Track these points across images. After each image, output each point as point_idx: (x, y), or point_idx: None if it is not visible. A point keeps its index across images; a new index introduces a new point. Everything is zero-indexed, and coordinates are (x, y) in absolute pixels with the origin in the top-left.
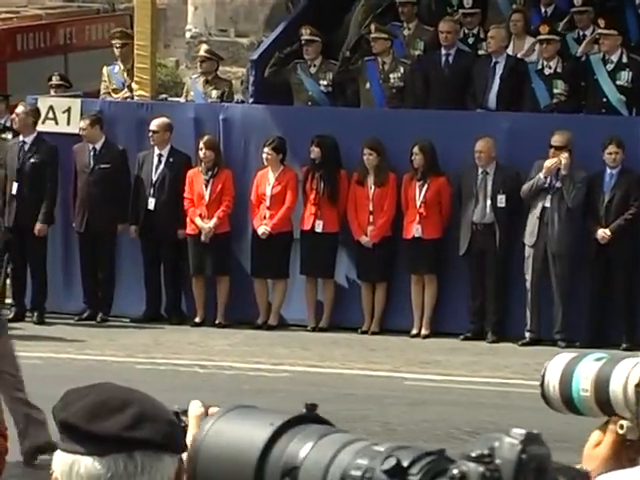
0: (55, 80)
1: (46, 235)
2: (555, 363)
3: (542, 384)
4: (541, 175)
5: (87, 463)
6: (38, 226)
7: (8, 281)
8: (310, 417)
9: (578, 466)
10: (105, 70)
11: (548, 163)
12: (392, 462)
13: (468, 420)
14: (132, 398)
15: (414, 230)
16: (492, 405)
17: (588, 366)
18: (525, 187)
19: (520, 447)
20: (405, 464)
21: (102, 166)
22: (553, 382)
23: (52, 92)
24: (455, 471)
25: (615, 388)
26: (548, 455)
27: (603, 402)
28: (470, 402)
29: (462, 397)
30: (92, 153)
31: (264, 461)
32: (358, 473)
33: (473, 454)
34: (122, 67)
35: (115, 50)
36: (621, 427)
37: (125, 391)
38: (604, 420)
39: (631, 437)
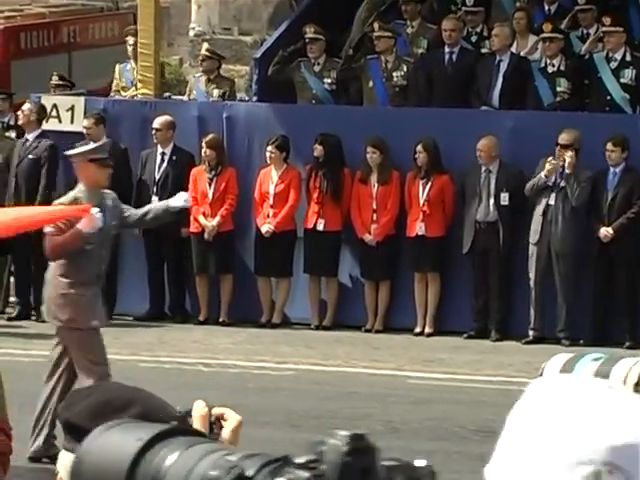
0: (54, 80)
1: (42, 232)
2: (553, 364)
3: None
4: (542, 175)
5: None
6: None
7: (12, 279)
8: (180, 429)
9: (420, 462)
10: (117, 67)
11: (549, 165)
12: (236, 473)
13: (472, 418)
14: (136, 397)
15: (417, 228)
16: (495, 403)
17: (586, 366)
18: (528, 185)
19: (344, 449)
20: (249, 474)
21: None
22: None
23: (52, 92)
24: (283, 479)
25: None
26: (375, 455)
27: None
28: (473, 400)
29: (466, 395)
30: None
31: (133, 474)
32: None
33: (300, 460)
34: (134, 65)
35: (128, 47)
36: None
37: (129, 390)
38: None
39: None
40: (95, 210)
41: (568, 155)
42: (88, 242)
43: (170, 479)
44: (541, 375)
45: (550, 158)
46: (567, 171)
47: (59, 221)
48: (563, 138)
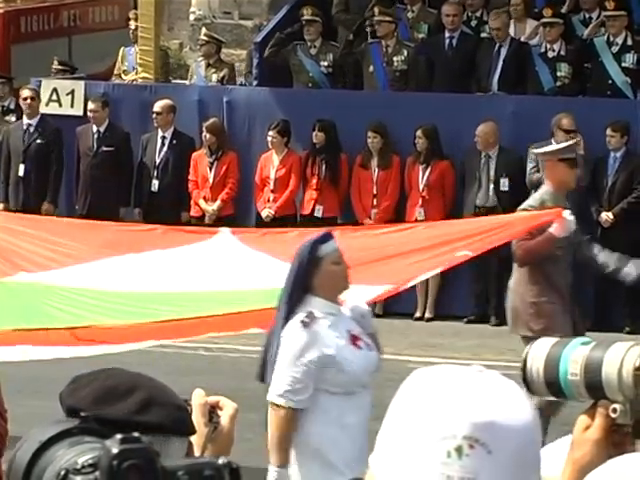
0: (55, 65)
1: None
2: (537, 347)
3: (524, 368)
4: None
5: None
6: (45, 206)
7: None
8: (83, 428)
9: (221, 460)
10: (121, 51)
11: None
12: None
13: None
14: (140, 383)
15: (417, 213)
16: None
17: (575, 350)
18: (527, 180)
19: (114, 452)
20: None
21: (105, 149)
22: (537, 366)
23: (53, 77)
24: None
25: (609, 372)
26: (149, 457)
27: (594, 386)
28: None
29: None
30: (96, 136)
31: (29, 474)
32: None
33: (78, 465)
34: (137, 49)
35: (130, 32)
36: (614, 411)
37: (132, 376)
38: (589, 404)
39: (622, 421)
40: (567, 213)
41: (577, 140)
42: (559, 246)
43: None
44: (525, 359)
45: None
46: (580, 153)
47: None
48: (565, 123)
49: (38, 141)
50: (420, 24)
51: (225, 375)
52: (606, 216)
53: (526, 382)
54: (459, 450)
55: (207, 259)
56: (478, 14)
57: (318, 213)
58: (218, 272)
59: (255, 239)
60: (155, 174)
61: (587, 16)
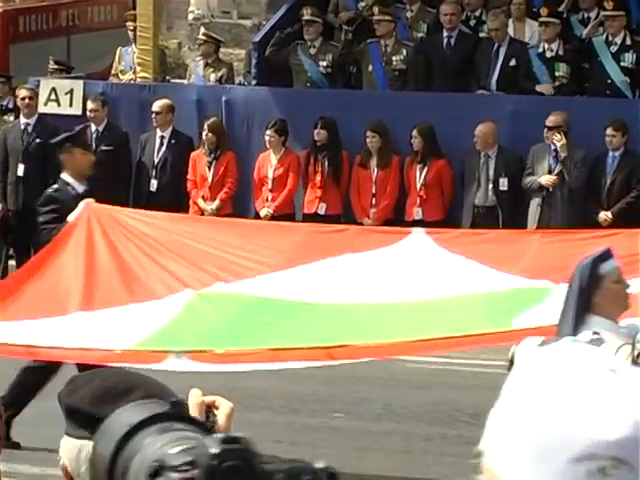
0: (51, 65)
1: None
2: (524, 347)
3: (510, 364)
4: (540, 182)
5: None
6: None
7: (12, 262)
8: (172, 414)
9: (320, 464)
10: (119, 50)
11: (543, 180)
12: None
13: (470, 403)
14: (137, 382)
15: (415, 213)
16: (495, 387)
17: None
18: (524, 182)
19: (214, 452)
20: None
21: (104, 148)
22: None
23: (50, 76)
24: None
25: None
26: (248, 458)
27: None
28: (473, 384)
29: (465, 380)
30: (95, 135)
31: (115, 460)
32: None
33: (175, 462)
34: (135, 49)
35: (129, 32)
36: None
37: (130, 375)
38: None
39: None
40: None
41: (556, 138)
42: None
43: (134, 466)
44: (511, 361)
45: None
46: (561, 154)
47: None
48: (551, 120)
49: (37, 141)
50: (419, 23)
51: (222, 374)
52: (605, 215)
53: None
54: (603, 472)
55: (407, 264)
56: (477, 14)
57: (321, 211)
58: (421, 279)
59: (451, 240)
60: (154, 174)
61: (585, 16)
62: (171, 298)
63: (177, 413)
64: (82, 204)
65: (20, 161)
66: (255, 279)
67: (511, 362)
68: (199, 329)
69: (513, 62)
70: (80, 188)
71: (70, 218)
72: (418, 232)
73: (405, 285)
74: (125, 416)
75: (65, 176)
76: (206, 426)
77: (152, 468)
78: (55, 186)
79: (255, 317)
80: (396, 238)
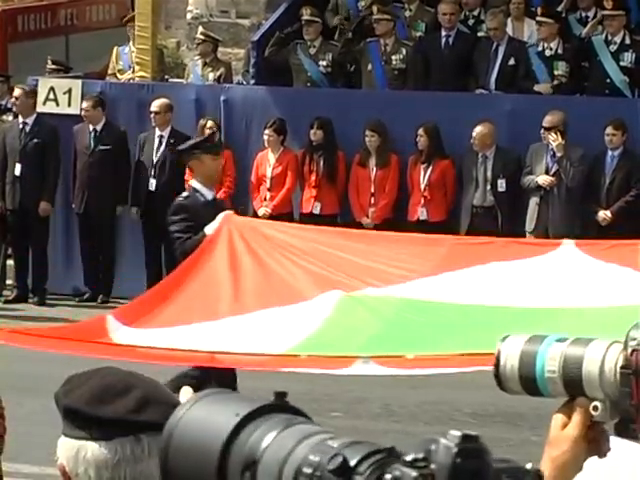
0: (49, 65)
1: (48, 216)
2: (510, 344)
3: (497, 365)
4: (537, 180)
5: (94, 448)
6: (42, 205)
7: (10, 262)
8: (278, 406)
9: (529, 465)
10: (115, 50)
11: (540, 180)
12: (338, 461)
13: (469, 402)
14: (135, 381)
15: (419, 213)
16: (493, 387)
17: (552, 346)
18: (522, 181)
19: (455, 450)
20: (352, 463)
21: (102, 147)
22: (511, 362)
23: (48, 76)
24: (388, 476)
25: (590, 369)
26: (487, 458)
27: (572, 383)
28: (471, 384)
29: (464, 379)
30: (92, 134)
31: (227, 453)
32: (309, 471)
33: (408, 458)
34: (132, 48)
35: (128, 32)
36: (595, 408)
37: (127, 375)
38: (563, 402)
39: (601, 419)
40: None
41: (552, 138)
42: None
43: (266, 462)
44: (497, 356)
45: (548, 178)
46: (558, 154)
47: None
48: (547, 121)
49: (34, 140)
50: (417, 22)
51: None
52: (604, 214)
53: (498, 379)
54: None
55: (560, 272)
56: (475, 13)
57: (316, 210)
58: (570, 286)
59: (602, 251)
60: (153, 173)
61: (584, 15)
62: (320, 299)
63: (281, 405)
64: (220, 216)
65: (17, 160)
66: (404, 284)
67: (497, 359)
68: (363, 331)
69: (512, 61)
70: (209, 195)
71: (208, 230)
72: (568, 244)
73: (561, 291)
74: (234, 406)
75: (194, 183)
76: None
77: (336, 463)
78: (185, 194)
79: (411, 318)
80: (546, 249)
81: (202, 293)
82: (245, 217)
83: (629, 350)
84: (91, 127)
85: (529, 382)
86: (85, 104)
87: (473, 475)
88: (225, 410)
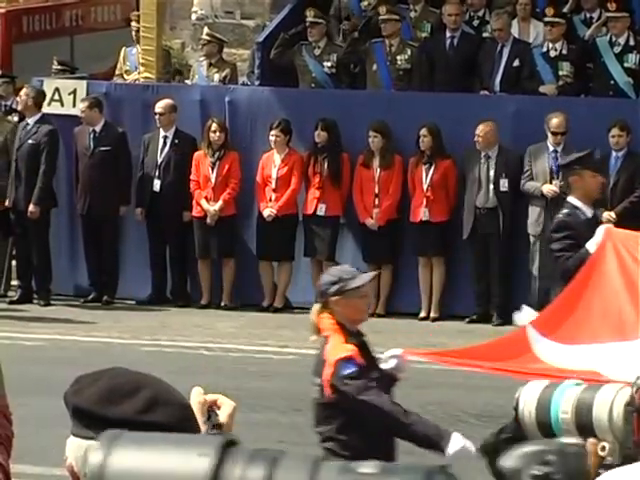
0: (55, 65)
1: (46, 217)
2: (529, 389)
3: (516, 409)
4: (542, 190)
5: None
6: (31, 207)
7: (13, 262)
8: (232, 441)
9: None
10: (123, 50)
11: (545, 189)
12: None
13: (474, 403)
14: (144, 382)
15: (421, 214)
16: (497, 388)
17: (567, 391)
18: (524, 187)
19: (579, 458)
20: None
21: (102, 149)
22: (529, 408)
23: (53, 77)
24: None
25: (599, 412)
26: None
27: (584, 425)
28: (475, 385)
29: (467, 380)
30: (92, 136)
31: None
32: None
33: (536, 472)
34: (139, 49)
35: (132, 32)
36: (602, 449)
37: (136, 375)
38: None
39: (609, 459)
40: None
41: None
42: None
43: None
44: (517, 400)
45: (554, 184)
46: (560, 162)
47: None
48: (554, 124)
49: (30, 141)
50: (423, 23)
51: (226, 375)
52: (608, 215)
53: (518, 423)
54: None
55: None
56: (480, 14)
57: (321, 212)
58: None
59: None
60: (157, 174)
61: (588, 16)
62: None
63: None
64: (601, 230)
65: (14, 160)
66: None
67: (516, 404)
68: None
69: (517, 62)
70: (589, 212)
71: (590, 247)
72: None
73: None
74: (167, 452)
75: (573, 200)
76: None
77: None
78: (565, 211)
79: None
80: None
81: (605, 310)
82: (625, 230)
83: (634, 389)
84: (90, 128)
85: (545, 425)
86: (82, 105)
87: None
88: (179, 453)
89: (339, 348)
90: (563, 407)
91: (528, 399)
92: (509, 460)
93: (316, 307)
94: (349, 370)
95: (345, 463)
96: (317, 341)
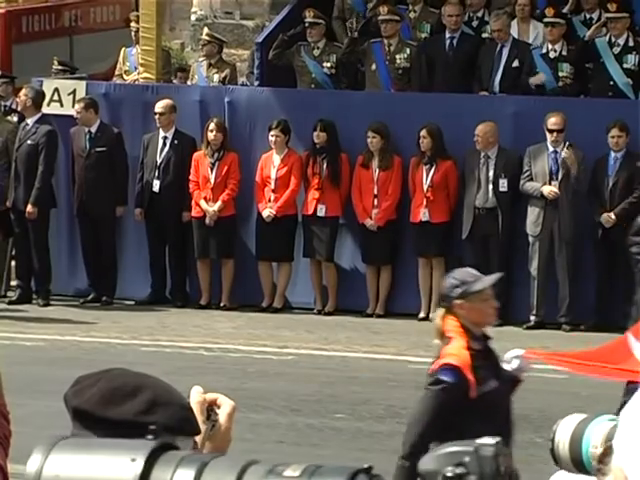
0: (55, 65)
1: (46, 217)
2: (567, 421)
3: (552, 441)
4: (542, 190)
5: None
6: (29, 208)
7: (13, 263)
8: (167, 445)
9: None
10: (123, 51)
11: (545, 191)
12: None
13: None
14: (144, 383)
15: (421, 214)
16: None
17: (600, 425)
18: (524, 188)
19: (495, 459)
20: None
21: (98, 149)
22: (563, 440)
23: (53, 77)
24: None
25: None
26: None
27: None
28: None
29: None
30: (88, 136)
31: None
32: None
33: (449, 474)
34: (139, 50)
35: (132, 33)
36: None
37: (137, 376)
38: None
39: None
40: None
41: (565, 153)
42: None
43: None
44: (553, 433)
45: (553, 185)
46: (569, 164)
47: None
48: (553, 123)
49: (29, 142)
50: (423, 24)
51: (226, 375)
52: (607, 216)
53: (553, 455)
54: None
55: None
56: (479, 14)
57: (321, 213)
58: None
59: None
60: (156, 174)
61: (588, 17)
62: None
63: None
64: None
65: (14, 161)
66: None
67: (553, 438)
68: None
69: (516, 63)
70: None
71: None
72: None
73: None
74: (101, 457)
75: None
76: None
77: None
78: None
79: None
80: None
81: None
82: None
83: None
84: (86, 129)
85: (577, 459)
86: (77, 106)
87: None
88: (112, 458)
89: (455, 352)
90: (593, 441)
91: (563, 432)
92: (426, 462)
93: (440, 311)
94: (447, 378)
95: (273, 466)
96: (439, 345)
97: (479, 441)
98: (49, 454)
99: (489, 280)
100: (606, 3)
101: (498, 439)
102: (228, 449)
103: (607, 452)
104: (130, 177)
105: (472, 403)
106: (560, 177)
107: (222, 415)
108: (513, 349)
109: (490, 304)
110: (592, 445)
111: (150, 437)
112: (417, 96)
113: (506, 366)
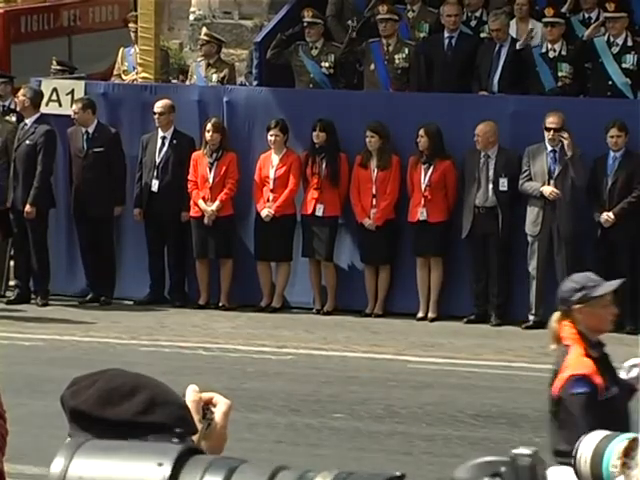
0: (54, 65)
1: (44, 217)
2: (590, 438)
3: (574, 456)
4: (542, 190)
5: None
6: (27, 208)
7: (11, 263)
8: (193, 449)
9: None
10: (121, 51)
11: (546, 191)
12: None
13: (471, 403)
14: (142, 383)
15: (419, 214)
16: (495, 388)
17: (621, 443)
18: (522, 187)
19: (532, 469)
20: None
21: (96, 149)
22: (585, 456)
23: (52, 77)
24: None
25: None
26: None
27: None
28: (473, 385)
29: (465, 380)
30: (85, 137)
31: None
32: None
33: None
34: (137, 50)
35: (131, 33)
36: None
37: (134, 376)
38: None
39: None
40: None
41: (564, 136)
42: None
43: None
44: (576, 449)
45: (552, 184)
46: (568, 153)
47: None
48: (551, 121)
49: (27, 142)
50: (421, 23)
51: (225, 375)
52: (606, 216)
53: (576, 473)
54: None
55: None
56: (477, 14)
57: (319, 212)
58: None
59: None
60: (155, 174)
61: (586, 16)
62: None
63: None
64: None
65: (12, 161)
66: None
67: (575, 454)
68: None
69: (515, 62)
70: None
71: None
72: None
73: None
74: (127, 461)
75: None
76: None
77: None
78: None
79: None
80: None
81: None
82: None
83: None
84: (83, 129)
85: (598, 476)
86: (74, 106)
87: None
88: (138, 462)
89: (577, 362)
90: (614, 459)
91: (586, 448)
92: (461, 472)
93: (556, 315)
94: (580, 389)
95: (303, 472)
96: (556, 350)
97: (516, 451)
98: (73, 457)
99: (610, 286)
100: (605, 3)
101: (535, 449)
102: (224, 448)
103: (633, 446)
104: (129, 177)
105: (599, 409)
106: (557, 174)
107: (218, 414)
108: (632, 358)
109: (610, 310)
110: (612, 465)
111: (175, 440)
112: (416, 96)
113: (622, 374)
